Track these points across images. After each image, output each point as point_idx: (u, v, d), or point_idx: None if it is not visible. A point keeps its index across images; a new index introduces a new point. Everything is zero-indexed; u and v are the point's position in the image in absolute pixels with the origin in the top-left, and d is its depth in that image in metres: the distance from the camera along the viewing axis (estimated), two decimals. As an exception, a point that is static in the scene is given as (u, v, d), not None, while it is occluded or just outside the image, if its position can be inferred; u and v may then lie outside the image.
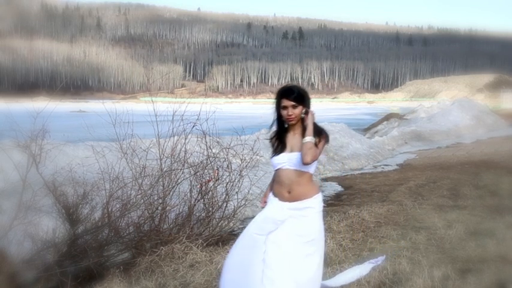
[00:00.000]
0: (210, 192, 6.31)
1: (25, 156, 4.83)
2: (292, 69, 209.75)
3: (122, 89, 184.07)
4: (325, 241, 3.46)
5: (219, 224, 6.42)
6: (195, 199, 6.18)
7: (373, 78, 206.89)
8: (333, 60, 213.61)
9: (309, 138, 3.28)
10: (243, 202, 6.76)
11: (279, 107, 3.43)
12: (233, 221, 6.82)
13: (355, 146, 18.12)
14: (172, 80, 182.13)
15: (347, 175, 14.42)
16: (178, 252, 5.35)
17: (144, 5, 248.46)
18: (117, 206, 5.38)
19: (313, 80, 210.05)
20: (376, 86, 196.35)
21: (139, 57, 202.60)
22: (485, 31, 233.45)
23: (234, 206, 6.67)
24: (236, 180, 6.57)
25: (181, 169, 6.02)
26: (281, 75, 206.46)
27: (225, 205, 6.48)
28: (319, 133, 3.37)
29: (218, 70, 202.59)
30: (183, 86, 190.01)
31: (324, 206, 3.51)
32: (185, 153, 6.18)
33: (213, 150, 6.49)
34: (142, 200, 5.54)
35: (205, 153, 6.36)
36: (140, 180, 5.64)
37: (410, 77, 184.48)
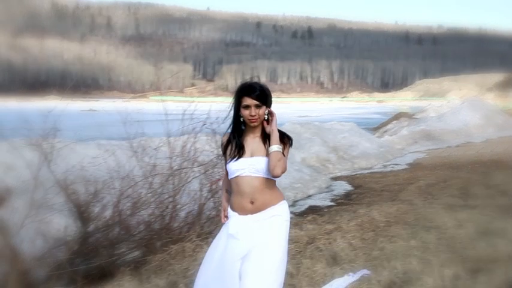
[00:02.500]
0: (220, 191, 6.32)
1: (37, 154, 4.86)
2: (302, 68, 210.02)
3: (132, 88, 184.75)
4: (288, 255, 3.07)
5: (230, 223, 6.43)
6: (205, 198, 6.20)
7: (382, 77, 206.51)
8: (343, 60, 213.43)
9: (277, 147, 2.93)
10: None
11: (237, 106, 3.02)
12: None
13: (365, 145, 17.96)
14: (182, 79, 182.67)
15: (356, 174, 14.31)
16: (189, 251, 5.38)
17: (153, 4, 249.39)
18: (128, 204, 5.40)
19: (322, 79, 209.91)
20: (386, 85, 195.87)
21: (149, 56, 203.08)
22: (495, 30, 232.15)
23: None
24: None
25: (191, 168, 6.04)
26: (290, 74, 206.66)
27: (236, 204, 6.49)
28: (282, 137, 3.01)
29: (227, 69, 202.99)
30: (192, 85, 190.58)
31: (291, 216, 3.31)
32: (195, 152, 6.19)
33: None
34: (152, 199, 5.56)
35: (215, 152, 6.38)
36: (150, 179, 5.67)
37: (420, 76, 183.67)
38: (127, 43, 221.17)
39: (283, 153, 2.95)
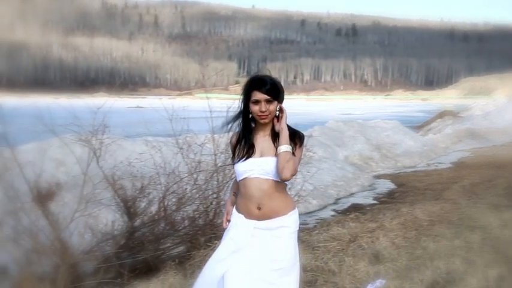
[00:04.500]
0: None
1: (86, 150, 4.97)
2: (345, 66, 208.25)
3: (177, 86, 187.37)
4: (300, 268, 2.86)
5: (273, 220, 6.45)
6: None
7: (427, 75, 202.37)
8: (387, 57, 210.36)
9: (285, 147, 2.65)
10: (295, 198, 6.78)
11: (247, 101, 2.75)
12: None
13: (408, 143, 17.90)
14: (227, 77, 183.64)
15: (400, 173, 14.25)
16: (232, 247, 5.39)
17: (200, 2, 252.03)
18: (173, 200, 5.47)
19: (366, 77, 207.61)
20: (430, 83, 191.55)
21: (194, 54, 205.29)
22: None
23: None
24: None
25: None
26: (334, 72, 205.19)
27: (278, 200, 6.50)
28: (294, 136, 2.74)
29: (271, 67, 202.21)
30: (237, 82, 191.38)
31: (301, 223, 3.11)
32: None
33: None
34: (197, 195, 5.62)
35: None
36: (195, 175, 5.72)
37: (465, 74, 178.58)
38: (173, 41, 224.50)
39: (293, 153, 2.68)
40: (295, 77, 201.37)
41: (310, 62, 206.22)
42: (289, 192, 6.83)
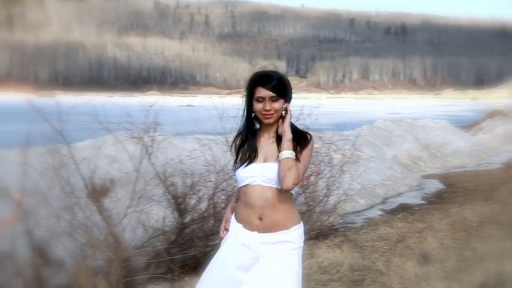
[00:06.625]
0: (312, 186, 6.32)
1: (138, 147, 5.07)
2: (394, 65, 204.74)
3: (227, 84, 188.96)
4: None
5: (320, 218, 6.47)
6: (296, 193, 6.19)
7: (477, 74, 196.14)
8: (436, 56, 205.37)
9: (287, 153, 2.39)
10: (343, 197, 6.77)
11: (250, 99, 2.50)
12: (333, 216, 6.84)
13: (458, 143, 17.53)
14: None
15: (449, 173, 13.99)
16: (280, 245, 5.40)
17: (249, 2, 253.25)
18: (223, 197, 5.50)
19: (415, 76, 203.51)
20: (480, 82, 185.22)
21: (244, 53, 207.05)
22: None
23: (335, 201, 6.71)
24: (337, 176, 6.57)
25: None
26: (383, 71, 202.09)
27: (325, 200, 6.53)
28: (299, 137, 2.49)
29: (320, 66, 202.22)
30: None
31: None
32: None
33: (315, 145, 6.50)
34: (246, 193, 5.63)
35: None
36: (244, 174, 5.73)
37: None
38: (223, 40, 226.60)
39: (298, 159, 2.41)
40: (343, 76, 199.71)
41: (359, 61, 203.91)
42: (336, 191, 6.82)
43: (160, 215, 5.27)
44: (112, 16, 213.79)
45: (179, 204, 5.20)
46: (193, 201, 5.32)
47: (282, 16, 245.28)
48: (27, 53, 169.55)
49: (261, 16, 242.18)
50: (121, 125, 5.00)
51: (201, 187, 5.39)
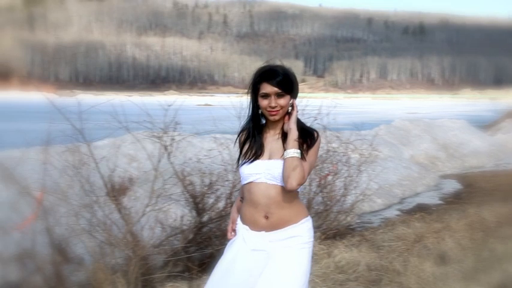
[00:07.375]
0: (329, 186, 6.33)
1: (157, 146, 5.10)
2: (412, 64, 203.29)
3: (245, 84, 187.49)
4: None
5: (337, 218, 6.47)
6: (314, 192, 6.20)
7: (495, 74, 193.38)
8: (454, 56, 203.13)
9: (292, 152, 2.33)
10: (360, 197, 6.76)
11: (255, 95, 2.44)
12: (350, 215, 6.83)
13: (476, 143, 17.29)
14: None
15: (467, 173, 13.88)
16: (297, 245, 5.40)
17: (267, 2, 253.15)
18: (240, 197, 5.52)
19: (433, 75, 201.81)
20: (499, 81, 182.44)
21: (262, 53, 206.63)
22: None
23: (352, 201, 6.72)
24: (355, 175, 6.59)
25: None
26: (400, 70, 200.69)
27: (343, 199, 6.53)
28: (305, 135, 2.42)
29: (338, 65, 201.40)
30: (303, 81, 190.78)
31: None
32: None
33: (333, 145, 6.51)
34: (263, 192, 5.63)
35: (325, 147, 6.34)
36: (262, 173, 5.73)
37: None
38: (241, 40, 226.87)
39: (303, 157, 2.36)
40: (361, 76, 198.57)
41: (377, 61, 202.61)
42: (353, 191, 6.80)
43: (179, 213, 5.30)
44: (131, 16, 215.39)
45: (197, 203, 5.22)
46: (211, 200, 5.34)
47: (299, 16, 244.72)
48: (48, 53, 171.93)
49: (279, 16, 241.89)
50: (140, 124, 5.04)
51: (218, 186, 5.40)
